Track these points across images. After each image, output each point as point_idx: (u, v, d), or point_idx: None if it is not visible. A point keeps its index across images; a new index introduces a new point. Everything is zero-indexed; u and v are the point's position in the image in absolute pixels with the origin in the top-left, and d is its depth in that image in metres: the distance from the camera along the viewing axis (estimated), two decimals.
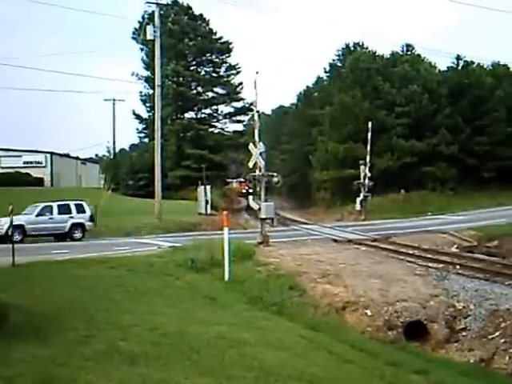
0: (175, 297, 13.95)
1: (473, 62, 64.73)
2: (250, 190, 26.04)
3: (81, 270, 16.70)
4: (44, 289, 13.30)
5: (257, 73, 24.60)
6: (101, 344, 8.25)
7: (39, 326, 9.22)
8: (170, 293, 14.44)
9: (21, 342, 7.96)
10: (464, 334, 15.10)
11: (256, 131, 25.54)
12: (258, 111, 26.48)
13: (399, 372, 10.13)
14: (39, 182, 62.90)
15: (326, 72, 78.56)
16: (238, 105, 67.91)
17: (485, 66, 65.30)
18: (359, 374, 9.35)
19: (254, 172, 25.61)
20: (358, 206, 43.71)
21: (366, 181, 43.04)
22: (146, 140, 66.39)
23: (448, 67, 66.26)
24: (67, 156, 76.35)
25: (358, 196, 43.02)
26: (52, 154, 69.51)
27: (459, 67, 65.08)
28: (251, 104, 67.68)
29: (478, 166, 57.74)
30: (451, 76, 63.14)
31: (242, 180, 25.29)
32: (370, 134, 45.15)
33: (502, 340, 14.04)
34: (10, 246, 17.33)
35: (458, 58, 65.19)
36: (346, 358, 10.27)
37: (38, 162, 67.60)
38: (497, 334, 14.40)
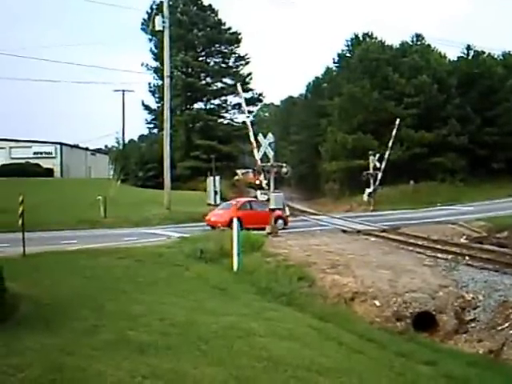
0: (184, 287, 13.97)
1: (483, 52, 64.30)
2: (264, 182, 26.07)
3: (90, 260, 16.77)
4: (53, 279, 13.37)
5: (239, 83, 25.88)
6: (110, 334, 8.28)
7: (48, 316, 9.28)
8: (179, 283, 14.48)
9: (30, 331, 8.01)
10: (473, 325, 15.06)
11: (250, 134, 26.28)
12: (248, 116, 27.65)
13: (408, 363, 10.12)
14: (49, 172, 63.12)
15: (334, 62, 78.27)
16: (247, 95, 67.72)
17: (495, 56, 64.84)
18: (368, 365, 9.34)
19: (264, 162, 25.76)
20: (365, 197, 43.66)
21: (379, 175, 42.85)
22: (155, 131, 66.50)
23: (458, 57, 65.85)
24: (77, 147, 76.54)
25: (368, 187, 42.93)
26: (62, 144, 69.69)
27: (469, 57, 64.60)
28: (260, 94, 67.98)
29: (488, 157, 57.41)
30: (461, 66, 62.69)
31: (263, 169, 25.31)
32: (394, 131, 44.99)
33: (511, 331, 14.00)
34: (21, 235, 17.40)
35: (468, 47, 64.77)
36: (355, 348, 10.26)
37: (48, 153, 67.76)
38: (506, 325, 14.35)
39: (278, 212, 27.00)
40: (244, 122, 27.97)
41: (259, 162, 26.13)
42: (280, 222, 27.73)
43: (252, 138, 27.06)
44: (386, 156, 43.51)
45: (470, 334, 14.75)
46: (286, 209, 29.05)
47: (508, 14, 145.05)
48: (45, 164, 64.08)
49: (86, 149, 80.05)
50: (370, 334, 11.98)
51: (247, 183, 54.94)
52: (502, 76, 60.20)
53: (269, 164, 25.50)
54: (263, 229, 24.99)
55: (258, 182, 26.27)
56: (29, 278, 12.68)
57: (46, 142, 68.47)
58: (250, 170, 56.28)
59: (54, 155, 68.06)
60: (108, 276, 14.49)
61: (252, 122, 68.10)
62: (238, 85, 26.95)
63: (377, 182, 42.91)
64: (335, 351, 9.77)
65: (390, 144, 44.31)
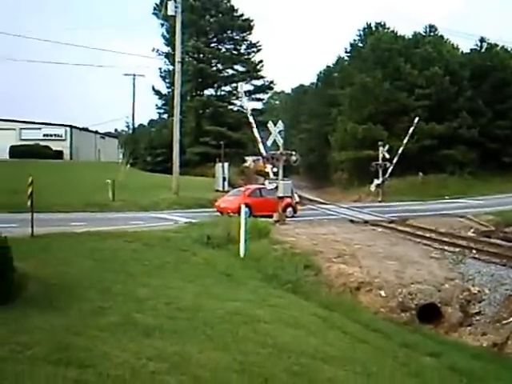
0: (191, 272, 14.03)
1: (496, 45, 63.70)
2: (275, 169, 26.16)
3: (98, 242, 16.83)
4: (61, 260, 13.44)
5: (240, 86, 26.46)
6: (116, 316, 8.34)
7: (56, 296, 9.35)
8: (185, 268, 14.53)
9: (38, 310, 8.08)
10: (478, 318, 15.08)
11: (254, 130, 26.58)
12: (252, 114, 28.18)
13: (412, 353, 10.16)
14: (58, 154, 63.30)
15: (346, 52, 77.79)
16: (258, 83, 67.60)
17: (509, 49, 64.27)
18: (372, 354, 9.37)
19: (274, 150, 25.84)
20: (372, 188, 43.53)
21: (390, 168, 42.62)
22: (165, 116, 66.42)
23: (471, 49, 65.31)
24: (86, 130, 76.64)
25: (377, 178, 42.79)
26: (72, 127, 69.81)
27: (482, 50, 64.09)
28: (271, 82, 67.81)
29: (499, 151, 57.05)
30: (474, 58, 62.17)
31: (272, 157, 25.48)
32: (411, 129, 44.82)
33: None
34: (30, 216, 17.49)
35: (482, 40, 64.19)
36: (360, 337, 10.30)
37: (58, 135, 67.92)
38: (511, 319, 14.36)
39: (288, 200, 27.03)
40: (249, 116, 28.06)
41: (264, 154, 26.42)
42: (289, 209, 27.77)
43: (256, 134, 27.47)
44: (400, 151, 43.25)
45: (475, 327, 14.79)
46: (295, 195, 29.05)
47: None
48: (54, 146, 64.24)
49: (96, 132, 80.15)
50: (374, 324, 12.03)
51: (257, 171, 54.88)
52: None
53: (278, 152, 25.50)
54: (271, 216, 25.07)
55: (267, 170, 26.37)
56: (37, 259, 12.76)
57: (56, 125, 68.60)
58: (261, 158, 56.26)
59: (63, 138, 68.20)
60: (115, 259, 14.55)
61: (261, 110, 68.39)
62: (240, 87, 27.38)
63: (387, 174, 42.72)
64: (340, 340, 9.81)
65: (405, 140, 44.04)
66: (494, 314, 14.85)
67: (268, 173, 26.88)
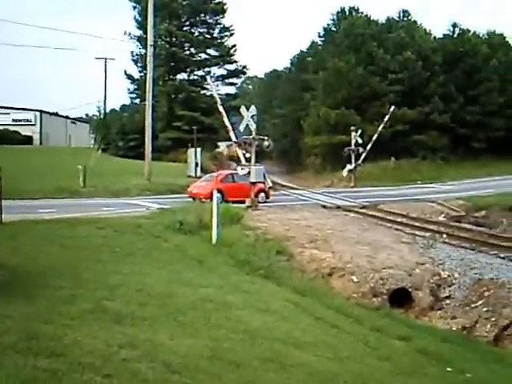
0: (163, 258, 13.96)
1: (468, 31, 64.24)
2: (247, 155, 26.11)
3: (68, 229, 16.66)
4: (31, 247, 13.28)
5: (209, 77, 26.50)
6: (87, 303, 8.26)
7: (25, 284, 9.23)
8: (157, 254, 14.45)
9: (7, 299, 7.95)
10: (448, 302, 15.28)
11: (225, 120, 26.63)
12: (222, 104, 28.19)
13: (383, 338, 10.26)
14: (28, 140, 62.55)
15: (320, 36, 77.74)
16: (231, 67, 67.29)
17: (480, 35, 64.83)
18: (344, 339, 9.45)
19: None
20: (344, 173, 43.69)
21: (364, 154, 42.73)
22: (137, 101, 65.82)
23: (444, 35, 65.70)
24: (57, 115, 75.68)
25: (349, 163, 42.91)
26: (41, 112, 68.92)
27: (455, 35, 64.54)
28: (244, 67, 67.55)
29: (469, 136, 57.68)
30: (446, 44, 62.58)
31: (244, 142, 25.42)
32: (387, 116, 45.15)
33: (485, 309, 14.23)
34: None
35: (454, 25, 64.70)
36: (332, 322, 10.37)
37: (28, 120, 67.02)
38: (480, 302, 14.58)
39: (260, 185, 27.01)
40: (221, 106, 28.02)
41: (235, 140, 26.54)
42: (262, 195, 27.76)
43: (227, 122, 27.50)
44: (374, 138, 43.43)
45: (445, 311, 14.98)
46: (268, 180, 29.06)
47: None
48: (24, 131, 63.43)
49: (67, 117, 79.20)
50: (346, 309, 12.11)
51: (230, 156, 54.78)
52: (486, 55, 60.24)
53: (250, 137, 25.45)
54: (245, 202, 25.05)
55: (240, 155, 26.32)
56: (5, 247, 12.59)
57: (26, 109, 67.68)
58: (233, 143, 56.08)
59: (33, 123, 67.35)
60: (86, 246, 14.41)
61: (234, 95, 68.15)
62: (208, 78, 27.50)
63: (359, 160, 42.84)
64: (311, 325, 9.87)
65: (380, 128, 44.20)
66: (464, 298, 15.06)
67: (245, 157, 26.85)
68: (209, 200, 24.97)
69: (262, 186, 27.35)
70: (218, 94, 66.66)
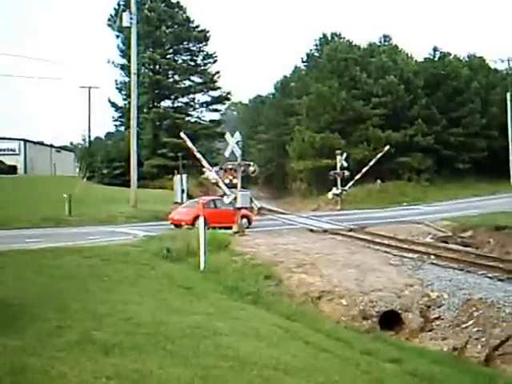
0: (150, 286, 13.84)
1: (449, 54, 65.30)
2: (235, 181, 25.99)
3: (55, 259, 16.51)
4: (17, 278, 13.12)
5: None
6: (74, 334, 8.14)
7: (11, 316, 9.09)
8: (145, 282, 14.34)
9: None
10: (438, 323, 15.25)
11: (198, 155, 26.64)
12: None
13: (374, 361, 10.19)
14: (12, 169, 62.23)
15: (303, 62, 78.67)
16: (215, 94, 67.71)
17: (461, 58, 65.81)
18: (334, 363, 9.37)
19: (232, 161, 25.81)
20: (329, 195, 43.77)
21: (350, 183, 42.85)
22: (122, 128, 65.89)
23: (425, 58, 66.65)
24: (41, 144, 75.51)
25: (335, 186, 43.04)
26: (26, 141, 68.74)
27: (436, 58, 65.43)
28: (228, 93, 67.90)
29: (453, 157, 58.28)
30: (428, 67, 63.46)
31: (230, 168, 25.24)
32: (379, 155, 45.22)
33: (475, 329, 14.21)
34: None
35: (435, 49, 65.67)
36: (322, 347, 10.28)
37: (12, 150, 66.80)
38: (470, 322, 14.56)
39: (244, 211, 26.89)
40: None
41: (220, 167, 26.53)
42: (244, 220, 27.55)
43: (206, 164, 27.65)
44: (372, 162, 43.69)
45: (435, 332, 14.94)
46: (256, 202, 28.98)
47: (472, 17, 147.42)
48: (8, 161, 63.18)
49: (51, 146, 79.03)
50: (336, 333, 12.04)
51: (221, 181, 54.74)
52: (467, 78, 61.13)
53: (236, 163, 25.49)
54: (228, 227, 24.88)
55: (227, 181, 26.14)
56: None
57: (10, 139, 67.41)
58: (219, 168, 56.08)
59: (17, 152, 67.10)
60: (73, 275, 14.26)
61: (219, 121, 68.53)
62: (182, 134, 28.01)
63: (347, 186, 42.95)
64: (302, 350, 9.78)
65: (372, 163, 44.33)
66: (454, 319, 15.04)
67: (228, 183, 26.71)
68: (191, 226, 24.92)
69: (245, 211, 27.17)
70: (203, 121, 67.32)
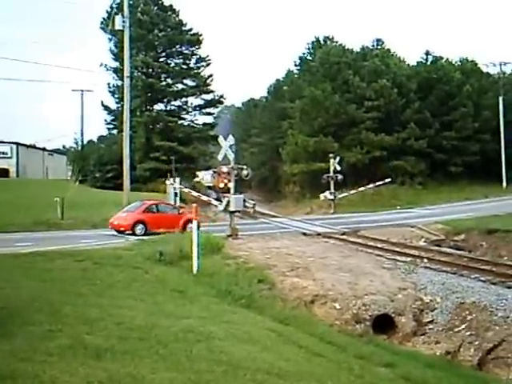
0: (143, 290, 13.77)
1: (441, 58, 65.54)
2: (229, 185, 25.23)
3: (46, 263, 16.41)
4: (8, 282, 13.02)
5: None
6: (66, 338, 8.08)
7: (1, 321, 9.01)
8: (137, 286, 14.27)
9: None
10: (431, 326, 15.24)
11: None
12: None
13: (367, 365, 10.16)
14: (4, 173, 62.09)
15: (296, 65, 78.74)
16: (208, 97, 67.65)
17: (453, 62, 66.04)
18: (328, 367, 9.33)
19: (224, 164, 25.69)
20: (322, 197, 43.79)
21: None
22: (115, 132, 65.80)
23: (417, 62, 66.90)
24: (34, 147, 75.28)
25: (329, 190, 43.05)
26: (18, 144, 68.52)
27: (428, 62, 65.66)
28: (221, 96, 67.89)
29: (446, 161, 58.46)
30: (420, 71, 63.66)
31: (224, 171, 24.77)
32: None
33: (468, 333, 14.21)
34: None
35: (427, 53, 65.90)
36: (315, 351, 10.25)
37: (4, 153, 66.60)
38: (463, 326, 14.56)
39: (188, 215, 25.19)
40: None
41: (214, 170, 26.12)
42: (190, 226, 23.43)
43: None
44: (362, 188, 44.06)
45: (428, 336, 14.93)
46: (251, 201, 28.69)
47: (465, 21, 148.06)
48: (0, 164, 62.89)
49: (44, 149, 78.80)
50: (329, 337, 12.01)
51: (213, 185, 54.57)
52: (459, 81, 61.35)
53: (229, 166, 25.42)
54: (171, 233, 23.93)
55: (221, 185, 25.73)
56: None
57: (2, 142, 67.23)
58: (212, 172, 55.95)
59: (9, 155, 66.88)
60: (65, 279, 14.19)
61: (212, 124, 68.48)
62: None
63: (342, 193, 43.36)
64: (295, 354, 9.74)
65: (368, 185, 44.81)
66: (447, 323, 15.03)
67: (222, 188, 26.29)
68: (130, 232, 24.32)
69: (189, 216, 24.27)
70: (196, 124, 67.27)
